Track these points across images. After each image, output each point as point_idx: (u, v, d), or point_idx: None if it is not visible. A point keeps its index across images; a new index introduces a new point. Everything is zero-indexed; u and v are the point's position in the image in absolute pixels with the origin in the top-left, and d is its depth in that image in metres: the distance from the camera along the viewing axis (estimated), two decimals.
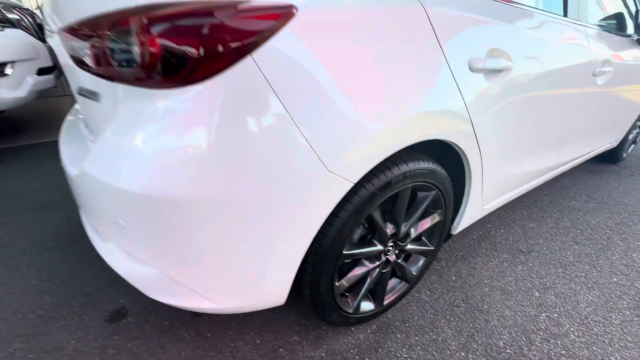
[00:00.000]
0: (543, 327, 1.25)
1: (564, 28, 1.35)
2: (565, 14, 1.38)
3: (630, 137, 2.65)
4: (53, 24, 0.91)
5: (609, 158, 2.69)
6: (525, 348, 1.17)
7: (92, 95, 0.76)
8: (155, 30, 0.60)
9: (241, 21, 0.62)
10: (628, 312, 1.32)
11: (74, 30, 0.73)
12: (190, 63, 0.61)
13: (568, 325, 1.26)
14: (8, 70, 2.38)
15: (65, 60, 0.86)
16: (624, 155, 2.73)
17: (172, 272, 0.78)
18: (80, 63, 0.76)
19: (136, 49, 0.62)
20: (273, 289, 0.87)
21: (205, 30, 0.60)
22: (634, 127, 2.55)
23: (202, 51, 0.61)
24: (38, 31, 2.73)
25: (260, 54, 0.64)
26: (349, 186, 0.81)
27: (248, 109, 0.66)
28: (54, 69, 2.83)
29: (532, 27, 1.18)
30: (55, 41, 0.95)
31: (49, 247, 1.61)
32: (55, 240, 1.67)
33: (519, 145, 1.33)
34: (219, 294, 0.83)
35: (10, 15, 2.47)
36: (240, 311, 0.90)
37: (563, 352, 1.16)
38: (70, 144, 0.99)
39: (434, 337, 1.20)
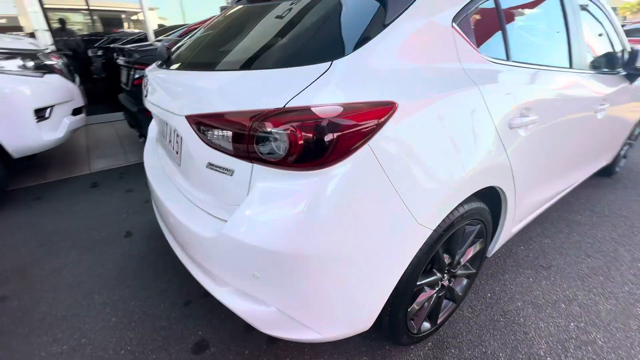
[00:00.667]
0: (574, 336, 1.44)
1: (571, 78, 1.59)
2: (570, 66, 1.63)
3: (622, 152, 2.94)
4: (172, 107, 1.10)
5: (604, 172, 2.96)
6: (563, 355, 1.35)
7: (224, 170, 0.94)
8: (303, 129, 0.78)
9: (362, 120, 0.81)
10: None
11: (212, 119, 0.91)
12: (326, 152, 0.80)
13: (595, 333, 1.46)
14: (48, 113, 2.52)
15: (183, 134, 1.04)
16: (617, 169, 3.01)
17: (291, 311, 0.95)
18: (210, 144, 0.94)
19: (284, 142, 0.80)
20: (365, 319, 1.05)
21: (336, 129, 0.79)
22: (624, 144, 2.84)
23: (334, 143, 0.80)
24: (68, 74, 2.89)
25: (373, 141, 0.83)
26: (429, 233, 1.00)
27: (362, 184, 0.85)
28: (83, 108, 2.98)
29: (548, 82, 1.41)
30: (162, 112, 1.14)
31: (116, 285, 1.74)
32: (119, 277, 1.80)
33: (541, 177, 1.56)
34: (325, 327, 1.00)
35: (48, 62, 2.62)
36: (338, 339, 1.06)
37: (594, 357, 1.35)
38: (177, 202, 1.16)
39: (484, 350, 1.38)
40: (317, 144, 0.79)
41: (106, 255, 1.98)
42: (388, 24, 0.92)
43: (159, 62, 1.31)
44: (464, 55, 1.06)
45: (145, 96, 1.32)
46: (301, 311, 0.95)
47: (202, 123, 0.95)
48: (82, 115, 2.91)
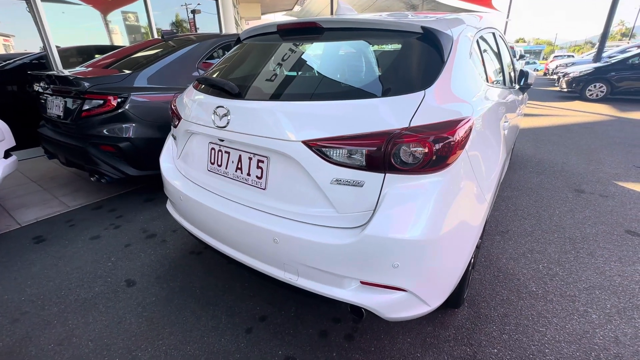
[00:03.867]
0: (545, 273, 2.02)
1: (506, 91, 2.25)
2: (504, 83, 2.29)
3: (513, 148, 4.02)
4: (275, 134, 1.19)
5: None
6: (544, 286, 1.89)
7: (354, 182, 1.09)
8: (436, 141, 1.04)
9: (464, 131, 1.11)
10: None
11: (343, 141, 1.07)
12: (448, 158, 1.07)
13: (555, 268, 2.07)
14: None
15: (282, 159, 1.16)
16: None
17: (419, 290, 1.16)
18: (337, 162, 1.10)
19: (419, 153, 1.04)
20: (453, 287, 1.32)
21: (455, 139, 1.07)
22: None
23: (453, 150, 1.07)
24: None
25: (467, 146, 1.14)
26: (488, 208, 1.36)
27: (463, 179, 1.14)
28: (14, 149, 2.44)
29: (502, 95, 1.99)
30: (244, 141, 1.22)
31: (155, 336, 1.57)
32: (153, 328, 1.62)
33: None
34: (434, 299, 1.24)
35: None
36: (436, 307, 1.30)
37: (561, 281, 1.93)
38: (271, 224, 1.23)
39: (501, 298, 1.81)
40: (444, 151, 1.06)
41: (118, 311, 1.73)
42: (446, 61, 1.25)
43: (233, 93, 1.34)
44: (485, 79, 1.48)
45: (224, 127, 1.32)
46: (425, 289, 1.17)
47: (327, 146, 1.10)
48: (13, 158, 2.37)
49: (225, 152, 1.42)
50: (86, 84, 2.54)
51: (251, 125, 1.25)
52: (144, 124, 2.70)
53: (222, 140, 1.39)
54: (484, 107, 1.37)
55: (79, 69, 3.29)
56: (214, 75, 1.68)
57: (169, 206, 1.92)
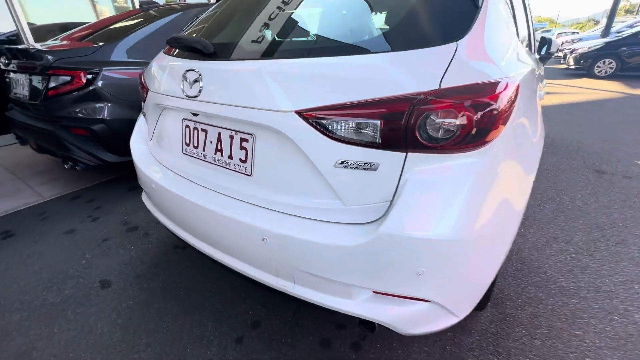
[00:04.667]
0: (573, 265, 1.79)
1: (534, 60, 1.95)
2: (531, 50, 1.99)
3: None
4: (261, 103, 0.91)
5: None
6: (575, 278, 1.67)
7: (365, 165, 0.83)
8: (476, 108, 0.77)
9: (509, 95, 0.84)
10: None
11: (349, 110, 0.80)
12: (491, 131, 0.80)
13: (583, 259, 1.84)
14: None
15: (291, 133, 0.88)
16: None
17: (446, 300, 0.92)
18: (343, 139, 0.83)
19: (452, 124, 0.77)
20: (484, 292, 1.09)
21: (500, 106, 0.80)
22: None
23: (496, 120, 0.80)
24: None
25: (512, 116, 0.87)
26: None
27: (507, 159, 0.88)
28: None
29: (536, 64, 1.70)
30: (223, 115, 0.94)
31: (131, 349, 1.34)
32: (128, 338, 1.39)
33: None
34: (463, 308, 1.00)
35: None
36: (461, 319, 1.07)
37: (592, 273, 1.71)
38: (257, 218, 0.98)
39: (528, 295, 1.59)
40: (486, 122, 0.79)
41: (89, 318, 1.50)
42: (480, 6, 0.96)
43: (208, 53, 1.04)
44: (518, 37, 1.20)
45: (195, 97, 1.04)
46: (454, 297, 0.93)
47: (328, 117, 0.82)
48: None
49: (202, 129, 1.14)
50: (50, 58, 2.22)
51: (229, 92, 0.97)
52: (120, 104, 2.40)
53: (196, 115, 1.12)
54: (522, 70, 1.09)
55: (50, 42, 2.95)
56: (188, 35, 1.37)
57: (144, 198, 1.66)
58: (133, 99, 2.43)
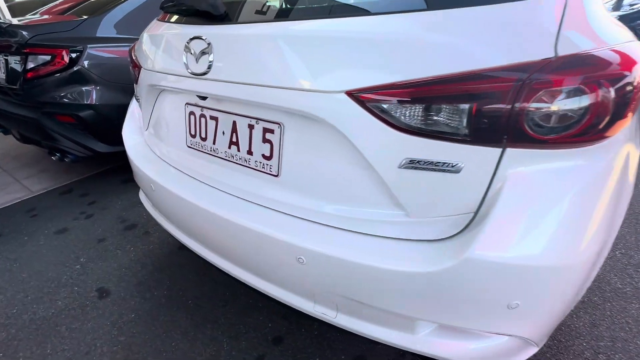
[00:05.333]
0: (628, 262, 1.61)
1: None
2: None
3: None
4: (294, 81, 0.67)
5: None
6: (629, 278, 1.49)
7: (443, 165, 0.61)
8: (612, 83, 0.54)
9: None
10: None
11: (426, 88, 0.57)
12: (623, 116, 0.57)
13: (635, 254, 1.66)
14: None
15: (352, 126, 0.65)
16: None
17: (531, 332, 0.72)
18: (413, 130, 0.60)
19: (577, 107, 0.54)
20: None
21: (630, 87, 0.57)
22: None
23: (628, 107, 0.58)
24: None
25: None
26: None
27: (628, 156, 0.66)
28: None
29: None
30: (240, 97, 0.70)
31: None
32: None
33: None
34: (547, 335, 0.81)
35: None
36: None
37: None
38: (271, 225, 0.76)
39: (585, 298, 1.41)
40: (619, 105, 0.56)
41: (86, 335, 1.31)
42: None
43: (218, 14, 0.78)
44: None
45: (203, 74, 0.80)
46: (541, 329, 0.74)
47: (394, 100, 0.59)
48: None
49: (211, 117, 0.91)
50: (25, 34, 1.93)
51: (249, 67, 0.73)
52: (110, 87, 2.13)
53: (204, 99, 0.88)
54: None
55: (28, 17, 2.63)
56: None
57: (143, 198, 1.44)
58: (125, 81, 2.16)
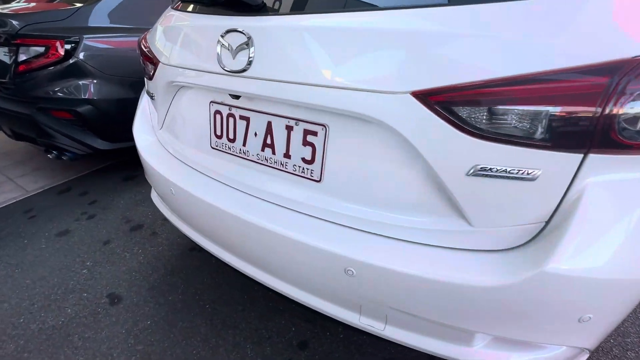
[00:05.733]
0: None
1: None
2: None
3: None
4: (351, 80, 0.61)
5: None
6: None
7: (518, 173, 0.56)
8: None
9: None
10: None
11: (508, 89, 0.52)
12: None
13: None
14: None
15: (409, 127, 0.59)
16: None
17: (590, 341, 0.70)
18: (486, 135, 0.55)
19: None
20: None
21: None
22: None
23: None
24: None
25: None
26: None
27: None
28: None
29: None
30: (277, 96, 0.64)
31: None
32: None
33: None
34: (598, 343, 0.79)
35: None
36: None
37: None
38: (314, 234, 0.71)
39: None
40: None
41: (101, 345, 1.25)
42: None
43: (256, 5, 0.70)
44: None
45: (241, 72, 0.73)
46: (599, 336, 0.71)
47: (468, 101, 0.54)
48: None
49: (241, 117, 0.84)
50: (16, 24, 1.79)
51: (296, 65, 0.66)
52: (109, 80, 2.01)
53: (237, 98, 0.81)
54: None
55: (15, 4, 2.46)
56: None
57: (154, 196, 1.36)
58: (125, 74, 2.05)
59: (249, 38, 0.70)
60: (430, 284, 0.64)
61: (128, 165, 2.62)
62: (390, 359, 1.18)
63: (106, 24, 2.10)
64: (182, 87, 0.96)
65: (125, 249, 1.75)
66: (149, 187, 2.36)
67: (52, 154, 2.13)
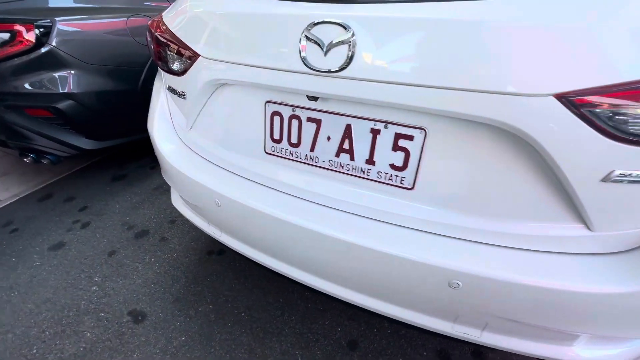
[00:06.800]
0: None
1: None
2: None
3: None
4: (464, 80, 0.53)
5: None
6: None
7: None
8: None
9: None
10: None
11: None
12: None
13: None
14: None
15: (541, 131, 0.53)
16: None
17: None
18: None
19: None
20: None
21: None
22: None
23: None
24: None
25: None
26: None
27: None
28: None
29: None
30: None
31: None
32: None
33: None
34: None
35: None
36: None
37: None
38: (411, 247, 0.67)
39: None
40: None
41: None
42: None
43: None
44: None
45: (337, 71, 0.62)
46: None
47: (620, 102, 0.49)
48: None
49: (310, 119, 0.74)
50: None
51: (404, 63, 0.57)
52: (91, 71, 1.76)
53: (315, 100, 0.71)
54: None
55: None
56: None
57: (177, 203, 1.24)
58: (109, 63, 1.80)
59: (352, 33, 0.59)
60: (548, 293, 0.61)
61: (111, 163, 2.38)
62: (442, 349, 1.20)
63: (70, 3, 1.82)
64: (225, 84, 0.84)
65: (135, 259, 1.60)
66: (144, 187, 2.17)
67: (29, 158, 1.87)
